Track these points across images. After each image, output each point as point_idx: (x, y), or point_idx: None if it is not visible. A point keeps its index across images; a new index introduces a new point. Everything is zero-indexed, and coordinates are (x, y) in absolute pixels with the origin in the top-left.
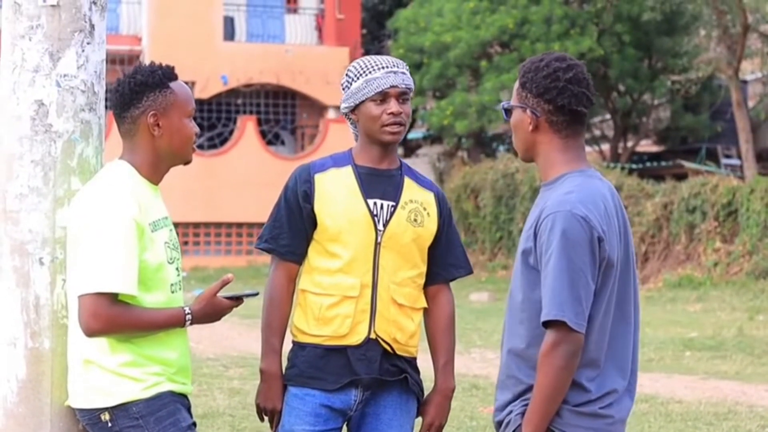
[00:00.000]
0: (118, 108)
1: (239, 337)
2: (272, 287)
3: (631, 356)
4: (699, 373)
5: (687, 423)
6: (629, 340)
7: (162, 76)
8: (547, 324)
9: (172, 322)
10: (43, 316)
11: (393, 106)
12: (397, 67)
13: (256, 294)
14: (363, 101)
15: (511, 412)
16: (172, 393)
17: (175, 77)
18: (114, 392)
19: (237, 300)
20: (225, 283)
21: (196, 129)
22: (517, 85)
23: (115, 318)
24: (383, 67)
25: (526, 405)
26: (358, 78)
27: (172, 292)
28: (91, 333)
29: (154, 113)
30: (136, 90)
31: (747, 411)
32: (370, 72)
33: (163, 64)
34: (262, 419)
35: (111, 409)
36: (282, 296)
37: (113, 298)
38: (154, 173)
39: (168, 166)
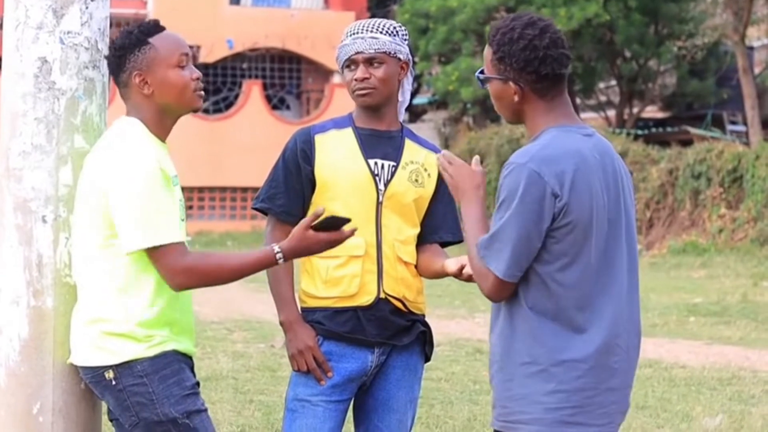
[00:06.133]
0: (112, 75)
1: (243, 300)
2: None
3: (620, 322)
4: (703, 338)
5: (690, 388)
6: (611, 309)
7: (139, 34)
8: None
9: (261, 263)
10: (45, 275)
11: (358, 72)
12: (367, 31)
13: (349, 220)
14: (342, 68)
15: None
16: (176, 352)
17: (156, 30)
18: (118, 351)
19: (332, 228)
20: (316, 217)
21: (194, 74)
22: (491, 56)
23: (193, 268)
24: (352, 33)
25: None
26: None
27: None
28: (178, 287)
29: (138, 73)
30: (117, 55)
31: (750, 376)
32: (343, 39)
33: (145, 21)
34: (302, 369)
35: (115, 367)
36: None
37: (183, 249)
38: (161, 129)
39: (173, 118)
